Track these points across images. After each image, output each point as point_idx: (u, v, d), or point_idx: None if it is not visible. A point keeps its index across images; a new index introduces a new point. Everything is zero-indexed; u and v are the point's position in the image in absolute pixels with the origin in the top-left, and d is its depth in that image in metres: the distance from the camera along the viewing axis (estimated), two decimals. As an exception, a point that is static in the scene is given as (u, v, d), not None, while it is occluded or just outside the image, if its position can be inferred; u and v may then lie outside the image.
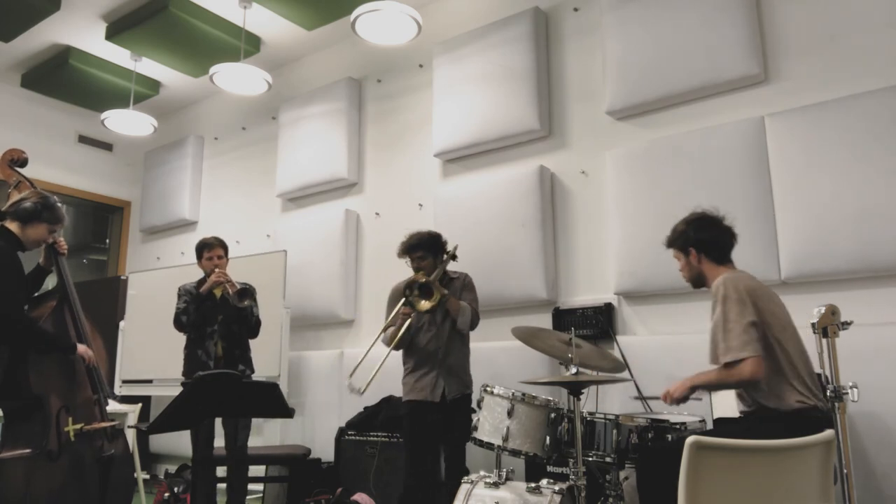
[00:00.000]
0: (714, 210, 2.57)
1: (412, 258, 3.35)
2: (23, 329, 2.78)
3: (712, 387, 2.52)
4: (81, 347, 2.98)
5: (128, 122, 5.58)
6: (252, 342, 3.78)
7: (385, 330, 3.32)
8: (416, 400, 3.26)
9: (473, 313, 3.33)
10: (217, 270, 3.60)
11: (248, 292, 3.53)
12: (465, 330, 3.34)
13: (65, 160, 6.47)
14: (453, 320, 3.30)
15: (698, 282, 2.57)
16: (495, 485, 2.54)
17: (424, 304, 3.15)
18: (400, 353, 3.38)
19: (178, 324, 3.65)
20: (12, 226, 2.85)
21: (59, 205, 3.01)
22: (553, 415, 2.68)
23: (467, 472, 3.12)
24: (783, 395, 2.22)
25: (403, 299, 3.19)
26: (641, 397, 3.19)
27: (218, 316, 3.64)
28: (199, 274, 3.78)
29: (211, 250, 3.69)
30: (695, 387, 2.40)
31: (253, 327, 3.73)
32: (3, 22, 5.01)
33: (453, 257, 3.40)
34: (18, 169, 3.21)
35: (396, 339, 3.22)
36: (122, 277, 5.74)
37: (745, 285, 2.31)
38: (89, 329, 3.12)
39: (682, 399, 2.41)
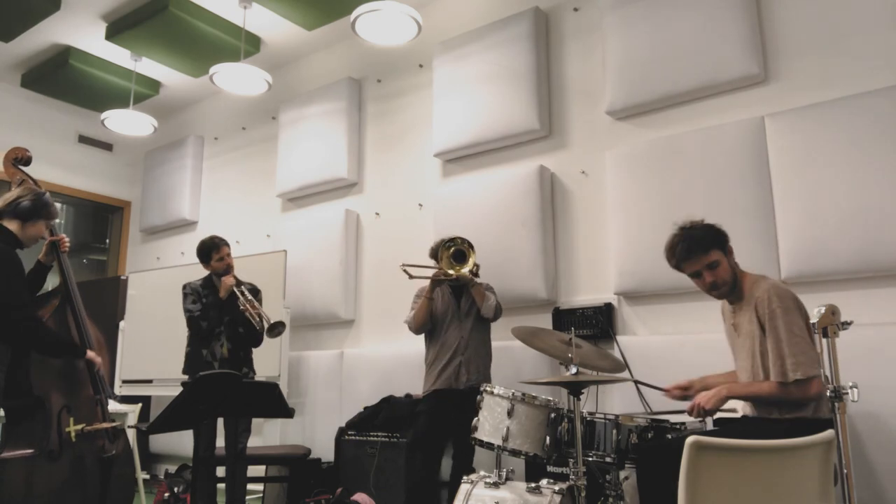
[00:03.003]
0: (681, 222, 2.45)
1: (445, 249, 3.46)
2: (30, 327, 2.75)
3: (762, 400, 2.27)
4: (91, 354, 2.98)
5: (128, 122, 5.58)
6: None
7: (416, 300, 3.48)
8: (438, 389, 3.37)
9: (497, 302, 3.52)
10: (244, 303, 3.52)
11: (280, 326, 3.47)
12: (489, 315, 3.48)
13: (65, 160, 6.46)
14: (476, 315, 3.45)
15: (734, 287, 2.36)
16: (495, 485, 2.54)
17: (456, 268, 3.33)
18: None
19: (196, 327, 3.59)
20: (11, 224, 2.83)
21: (52, 200, 2.99)
22: (553, 415, 2.68)
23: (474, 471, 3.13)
24: (824, 405, 2.15)
25: (439, 256, 3.36)
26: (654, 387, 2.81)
27: (224, 317, 3.62)
28: (201, 273, 3.76)
29: (219, 251, 3.64)
30: (730, 397, 2.24)
31: (259, 335, 3.71)
32: (3, 22, 5.00)
33: (475, 274, 3.49)
34: (22, 167, 3.21)
35: (423, 312, 3.40)
36: (122, 277, 5.74)
37: (794, 294, 2.20)
38: (92, 330, 3.11)
39: (714, 412, 2.25)
